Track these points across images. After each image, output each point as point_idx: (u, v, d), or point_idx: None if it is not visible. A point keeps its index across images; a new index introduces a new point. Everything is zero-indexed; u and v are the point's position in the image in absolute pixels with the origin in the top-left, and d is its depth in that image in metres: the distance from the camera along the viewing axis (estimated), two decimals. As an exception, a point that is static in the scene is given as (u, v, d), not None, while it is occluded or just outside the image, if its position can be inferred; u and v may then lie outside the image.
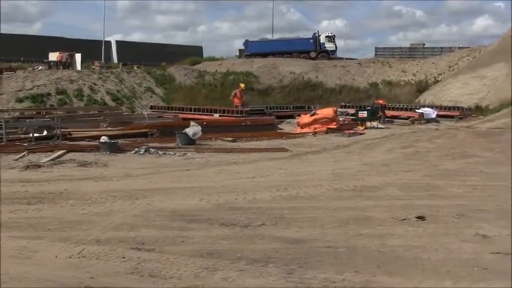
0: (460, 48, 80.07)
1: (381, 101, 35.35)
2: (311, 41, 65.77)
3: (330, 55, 65.36)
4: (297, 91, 50.51)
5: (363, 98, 47.70)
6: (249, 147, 19.77)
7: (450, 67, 57.53)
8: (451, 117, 36.26)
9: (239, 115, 29.40)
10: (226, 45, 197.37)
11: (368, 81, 55.45)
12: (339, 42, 66.92)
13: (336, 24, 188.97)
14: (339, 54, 69.70)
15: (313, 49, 64.90)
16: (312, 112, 28.72)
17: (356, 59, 65.25)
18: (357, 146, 20.93)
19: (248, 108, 31.71)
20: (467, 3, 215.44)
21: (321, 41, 65.84)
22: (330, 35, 67.84)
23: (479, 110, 40.21)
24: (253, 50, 64.93)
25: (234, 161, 16.14)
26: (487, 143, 21.36)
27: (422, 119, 34.21)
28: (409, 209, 9.36)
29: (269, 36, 74.09)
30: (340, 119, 29.59)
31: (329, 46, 66.40)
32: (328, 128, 26.33)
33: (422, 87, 51.98)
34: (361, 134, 26.14)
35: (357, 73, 56.98)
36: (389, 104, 37.37)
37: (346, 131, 25.93)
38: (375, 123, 30.18)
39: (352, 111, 34.26)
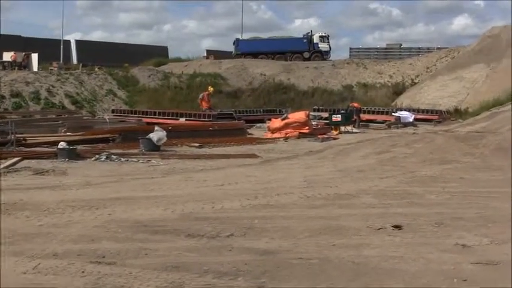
0: (438, 48, 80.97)
1: (355, 104, 35.57)
2: (304, 41, 66.19)
3: (323, 56, 65.87)
4: (268, 94, 50.64)
5: (337, 101, 47.97)
6: (217, 154, 19.73)
7: (428, 68, 58.17)
8: (429, 120, 36.65)
9: (206, 119, 29.37)
10: (193, 45, 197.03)
11: (342, 83, 55.82)
12: None
13: (309, 23, 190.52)
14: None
15: (306, 49, 65.46)
16: (283, 116, 28.76)
17: (330, 59, 65.66)
18: (330, 151, 21.02)
19: (216, 112, 31.71)
20: (445, 2, 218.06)
21: (314, 41, 66.20)
22: (323, 34, 68.17)
23: (458, 113, 40.66)
24: (244, 49, 65.32)
25: (201, 168, 16.10)
26: (466, 148, 21.59)
27: (399, 123, 34.52)
28: (385, 217, 9.39)
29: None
30: (313, 123, 29.70)
31: (323, 46, 66.88)
32: (300, 133, 26.41)
33: (399, 90, 52.47)
34: (334, 138, 26.28)
35: (330, 75, 57.32)
36: (365, 108, 37.69)
37: (319, 136, 26.04)
38: (349, 128, 30.38)
39: (325, 115, 34.47)
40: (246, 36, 74.41)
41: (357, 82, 56.36)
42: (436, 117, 37.40)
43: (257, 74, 54.75)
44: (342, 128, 29.73)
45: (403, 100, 47.17)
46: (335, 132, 28.69)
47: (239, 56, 63.80)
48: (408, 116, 35.93)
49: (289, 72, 55.89)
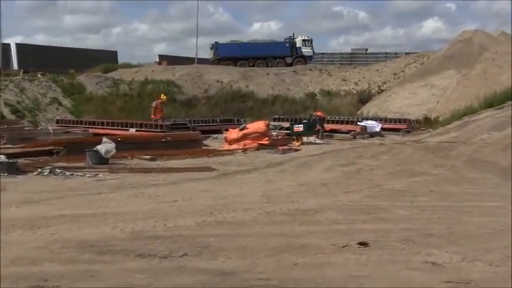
0: (406, 53, 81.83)
1: (319, 113, 35.70)
2: (287, 45, 66.73)
3: (306, 61, 66.44)
4: (225, 102, 50.74)
5: (299, 110, 48.27)
6: (170, 167, 19.67)
7: (396, 75, 58.81)
8: (397, 130, 36.93)
9: (159, 130, 29.24)
10: (145, 50, 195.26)
11: (305, 91, 56.17)
12: None
13: (269, 27, 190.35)
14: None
15: (289, 54, 66.14)
16: (242, 126, 28.82)
17: (292, 66, 66.15)
18: (291, 164, 21.10)
19: (169, 122, 31.61)
20: (415, 4, 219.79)
21: (297, 45, 66.74)
22: (306, 38, 68.77)
23: (428, 123, 41.07)
24: (224, 53, 65.84)
25: (153, 182, 16.02)
26: (436, 159, 21.86)
27: (365, 133, 34.76)
28: (350, 234, 9.45)
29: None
30: (273, 133, 29.81)
31: (306, 51, 67.60)
32: (259, 144, 26.46)
33: (365, 98, 52.90)
34: (296, 150, 26.36)
35: (292, 82, 57.64)
36: (329, 117, 37.88)
37: (279, 148, 26.07)
38: (312, 138, 30.50)
39: (286, 124, 34.59)
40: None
41: (321, 90, 56.74)
42: (405, 126, 37.70)
43: (213, 81, 54.83)
44: (304, 139, 29.84)
45: (370, 109, 47.57)
46: (297, 144, 28.79)
47: (218, 62, 64.28)
48: (375, 126, 36.17)
49: (248, 79, 56.07)
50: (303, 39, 68.14)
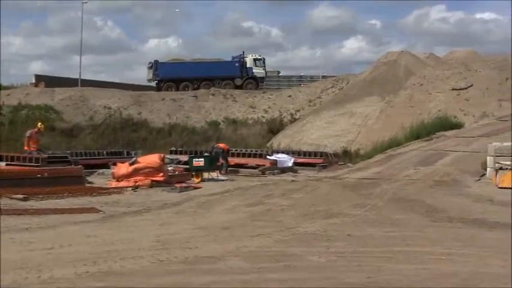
0: (323, 77, 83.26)
1: (222, 145, 35.73)
2: (236, 64, 67.25)
3: (258, 83, 66.94)
4: (113, 132, 50.40)
5: (200, 141, 48.36)
6: (46, 208, 19.33)
7: (311, 101, 59.76)
8: (312, 165, 37.24)
9: (34, 164, 28.74)
10: (19, 68, 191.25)
11: (206, 119, 56.38)
12: None
13: (167, 44, 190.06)
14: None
15: (238, 75, 67.07)
16: (132, 160, 28.60)
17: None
18: (190, 204, 21.06)
19: (46, 155, 31.10)
20: (335, 21, 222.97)
21: (248, 65, 67.39)
22: (258, 57, 69.66)
23: (347, 156, 41.76)
24: (164, 74, 66.53)
25: (26, 226, 15.71)
26: (356, 198, 22.20)
27: (276, 168, 34.98)
28: (257, 284, 9.51)
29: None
30: (169, 168, 29.69)
31: (257, 71, 68.51)
32: (153, 181, 26.32)
33: (275, 127, 53.42)
34: (196, 188, 26.35)
35: (192, 109, 57.82)
36: (234, 149, 37.99)
37: (176, 185, 26.03)
38: (214, 174, 30.53)
39: (185, 158, 34.50)
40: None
41: (225, 118, 57.08)
42: (321, 160, 38.05)
43: (100, 106, 54.47)
44: (205, 175, 29.85)
45: (281, 140, 48.06)
46: (196, 180, 28.76)
47: (158, 83, 64.35)
48: (286, 160, 36.45)
49: (141, 105, 55.96)
50: (254, 58, 69.37)
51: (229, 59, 72.90)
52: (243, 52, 71.08)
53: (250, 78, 68.87)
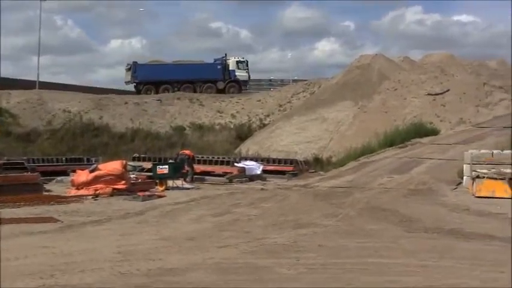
0: (294, 81, 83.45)
1: (187, 152, 35.67)
2: (218, 67, 67.52)
3: (241, 86, 67.29)
4: (73, 137, 50.07)
5: (165, 147, 48.17)
6: (1, 217, 19.19)
7: (281, 106, 59.81)
8: (282, 173, 37.27)
9: (-13, 171, 28.55)
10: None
11: (171, 124, 56.23)
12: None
13: (131, 45, 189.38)
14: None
15: (221, 78, 67.88)
16: (93, 167, 28.47)
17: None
18: (153, 213, 21.00)
19: (1, 161, 30.88)
20: (307, 22, 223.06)
21: (230, 68, 67.91)
22: (241, 60, 70.13)
23: (319, 164, 41.77)
24: (143, 76, 67.09)
25: (-22, 237, 15.60)
26: (328, 208, 22.25)
27: (244, 175, 34.98)
28: (223, 298, 9.49)
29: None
30: (132, 176, 29.60)
31: (240, 75, 68.89)
32: (114, 189, 26.23)
33: (244, 133, 53.40)
34: (160, 196, 26.26)
35: (156, 113, 57.64)
36: (200, 156, 37.90)
37: (139, 193, 25.92)
38: (179, 182, 30.47)
39: (148, 165, 34.42)
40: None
41: (191, 123, 56.95)
42: (291, 168, 38.06)
43: (59, 110, 54.11)
44: (170, 183, 29.77)
45: (250, 146, 48.02)
46: (160, 189, 28.69)
47: (137, 86, 64.35)
48: (255, 167, 36.42)
49: (103, 109, 55.68)
50: (237, 60, 69.86)
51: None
52: (226, 54, 71.56)
53: (232, 82, 69.32)
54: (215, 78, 68.73)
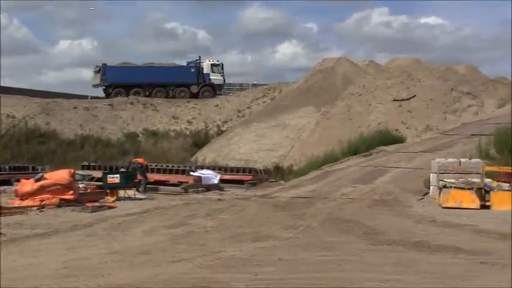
0: (254, 85, 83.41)
1: (140, 160, 35.49)
2: (192, 70, 67.85)
3: (216, 90, 67.41)
4: (18, 144, 49.69)
5: (116, 155, 47.99)
6: None
7: (240, 112, 59.87)
8: (241, 182, 37.26)
9: None
10: None
11: (123, 130, 56.05)
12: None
13: (81, 46, 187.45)
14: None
15: (195, 82, 68.15)
16: (39, 176, 28.24)
17: (107, 98, 66.02)
18: (103, 225, 20.89)
19: None
20: (268, 23, 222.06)
21: (204, 71, 68.72)
22: (216, 62, 70.67)
23: (279, 173, 41.84)
24: (113, 79, 67.05)
25: None
26: (288, 219, 22.28)
27: (200, 185, 34.91)
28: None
29: None
30: (80, 185, 29.43)
31: (215, 78, 69.22)
32: (61, 200, 26.06)
33: (200, 140, 53.43)
34: (110, 207, 26.14)
35: (107, 119, 57.42)
36: (154, 164, 37.81)
37: (88, 204, 25.79)
38: (131, 192, 30.35)
39: (99, 174, 34.21)
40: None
41: (144, 129, 56.83)
42: (250, 177, 38.01)
43: (2, 115, 53.65)
44: (121, 193, 29.65)
45: (206, 154, 48.02)
46: (111, 199, 28.54)
47: (106, 89, 64.27)
48: (212, 176, 36.35)
49: (50, 114, 55.32)
50: (212, 63, 70.29)
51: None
52: (200, 57, 71.76)
53: (207, 86, 69.54)
54: (189, 82, 69.02)
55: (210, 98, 67.76)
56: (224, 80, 72.93)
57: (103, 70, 68.57)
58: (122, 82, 67.46)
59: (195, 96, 68.20)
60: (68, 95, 72.41)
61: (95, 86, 70.16)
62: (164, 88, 68.12)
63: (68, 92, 76.90)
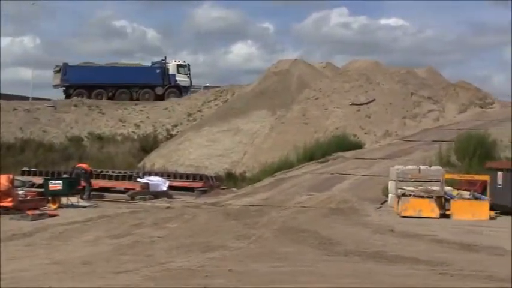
0: (205, 87, 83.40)
1: (84, 166, 35.32)
2: (157, 71, 68.31)
3: (182, 92, 67.47)
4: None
5: (59, 160, 47.71)
6: None
7: (190, 115, 59.84)
8: (191, 189, 37.25)
9: None
10: None
11: (67, 134, 55.76)
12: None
13: (22, 44, 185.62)
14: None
15: (160, 83, 68.37)
16: (-25, 182, 28.04)
17: (50, 99, 65.60)
18: (44, 234, 20.73)
19: None
20: (221, 22, 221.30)
21: (170, 72, 69.02)
22: (182, 63, 70.76)
23: (231, 179, 41.87)
24: (75, 79, 66.87)
25: None
26: (240, 228, 22.32)
27: (148, 192, 34.83)
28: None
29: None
30: (20, 192, 29.21)
31: (181, 79, 69.31)
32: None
33: (149, 145, 53.34)
34: (52, 215, 25.96)
35: (50, 122, 57.12)
36: (99, 170, 37.63)
37: (28, 212, 25.59)
38: (74, 199, 30.19)
39: (40, 180, 33.99)
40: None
41: (89, 133, 56.56)
42: (200, 184, 38.02)
43: None
44: (64, 200, 29.48)
45: (155, 160, 47.92)
46: (53, 207, 28.36)
47: (67, 90, 63.92)
48: (161, 183, 36.29)
49: (-13, 117, 54.78)
50: (178, 64, 70.33)
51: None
52: (165, 57, 71.98)
53: (173, 87, 69.75)
54: (154, 83, 69.13)
55: (178, 98, 67.98)
56: (191, 82, 72.97)
57: (64, 70, 68.27)
58: (83, 83, 67.33)
59: (160, 98, 68.26)
60: (7, 95, 71.87)
61: (55, 86, 69.83)
62: (128, 89, 68.23)
63: (7, 92, 76.41)
